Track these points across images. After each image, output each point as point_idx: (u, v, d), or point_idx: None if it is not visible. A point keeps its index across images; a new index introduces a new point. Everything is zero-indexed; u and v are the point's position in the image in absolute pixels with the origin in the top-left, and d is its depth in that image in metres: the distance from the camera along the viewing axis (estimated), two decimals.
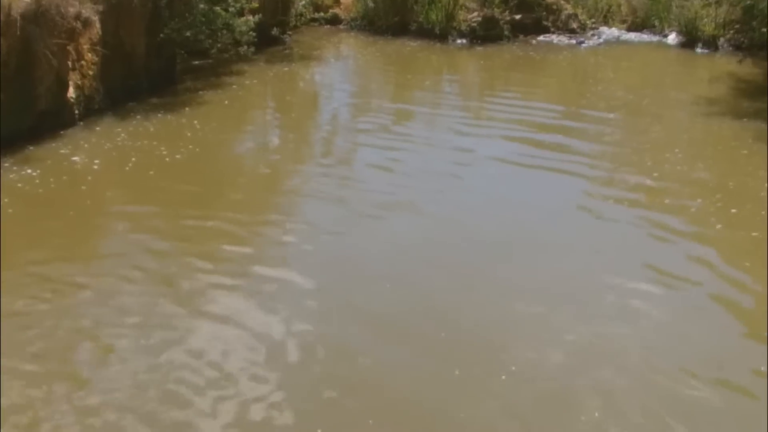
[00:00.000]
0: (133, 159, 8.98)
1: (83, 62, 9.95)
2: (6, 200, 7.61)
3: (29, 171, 8.36)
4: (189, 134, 9.89)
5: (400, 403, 4.82)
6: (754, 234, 7.12)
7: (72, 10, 9.52)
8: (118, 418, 4.61)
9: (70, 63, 9.67)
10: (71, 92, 9.73)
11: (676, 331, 5.60)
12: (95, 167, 8.78)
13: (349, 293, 6.11)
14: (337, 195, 8.16)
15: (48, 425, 4.56)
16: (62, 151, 9.05)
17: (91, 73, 10.11)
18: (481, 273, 6.48)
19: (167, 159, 9.05)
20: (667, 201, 7.93)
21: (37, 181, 8.20)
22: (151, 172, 8.65)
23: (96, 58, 10.16)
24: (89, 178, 8.51)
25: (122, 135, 9.66)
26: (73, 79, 9.79)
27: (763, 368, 5.11)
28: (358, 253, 6.83)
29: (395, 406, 4.80)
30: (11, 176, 8.20)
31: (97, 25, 10.11)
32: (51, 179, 8.26)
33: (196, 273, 6.40)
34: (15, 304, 5.77)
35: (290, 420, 4.63)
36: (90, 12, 9.92)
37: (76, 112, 9.83)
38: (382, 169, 8.84)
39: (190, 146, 9.47)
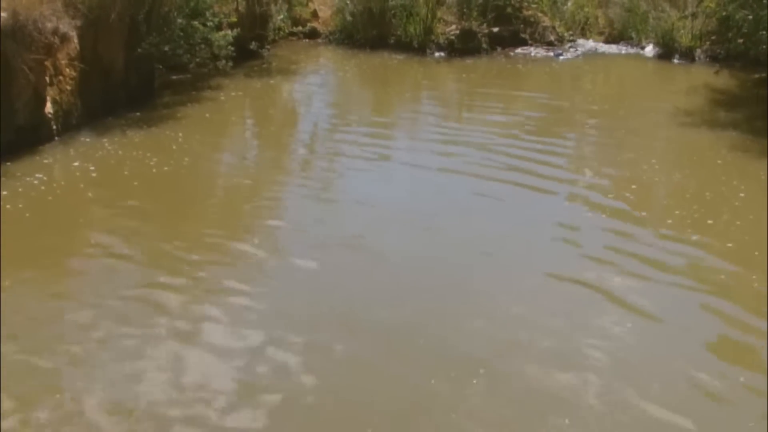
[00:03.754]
0: (126, 172, 8.98)
1: (61, 77, 9.92)
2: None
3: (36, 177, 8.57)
4: (174, 147, 9.90)
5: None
6: (729, 245, 7.20)
7: (49, 25, 9.49)
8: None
9: (47, 78, 9.63)
10: (49, 107, 9.69)
11: (649, 348, 5.66)
12: (93, 175, 8.86)
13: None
14: (314, 211, 8.19)
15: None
16: (45, 161, 9.08)
17: (69, 88, 10.07)
18: (461, 290, 6.52)
19: (155, 170, 9.07)
20: (644, 213, 8.00)
21: (43, 188, 8.37)
22: (136, 183, 8.68)
23: (74, 73, 10.13)
24: (81, 185, 8.59)
25: (107, 148, 9.66)
26: (51, 94, 9.74)
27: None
28: (329, 272, 6.86)
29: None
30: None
31: (75, 40, 10.09)
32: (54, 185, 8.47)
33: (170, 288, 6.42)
34: None
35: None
36: (68, 27, 9.89)
37: (54, 127, 9.79)
38: (361, 185, 8.92)
39: (184, 159, 9.49)
